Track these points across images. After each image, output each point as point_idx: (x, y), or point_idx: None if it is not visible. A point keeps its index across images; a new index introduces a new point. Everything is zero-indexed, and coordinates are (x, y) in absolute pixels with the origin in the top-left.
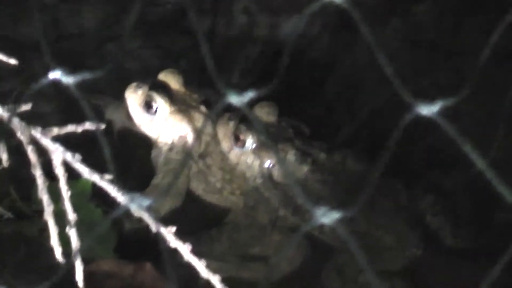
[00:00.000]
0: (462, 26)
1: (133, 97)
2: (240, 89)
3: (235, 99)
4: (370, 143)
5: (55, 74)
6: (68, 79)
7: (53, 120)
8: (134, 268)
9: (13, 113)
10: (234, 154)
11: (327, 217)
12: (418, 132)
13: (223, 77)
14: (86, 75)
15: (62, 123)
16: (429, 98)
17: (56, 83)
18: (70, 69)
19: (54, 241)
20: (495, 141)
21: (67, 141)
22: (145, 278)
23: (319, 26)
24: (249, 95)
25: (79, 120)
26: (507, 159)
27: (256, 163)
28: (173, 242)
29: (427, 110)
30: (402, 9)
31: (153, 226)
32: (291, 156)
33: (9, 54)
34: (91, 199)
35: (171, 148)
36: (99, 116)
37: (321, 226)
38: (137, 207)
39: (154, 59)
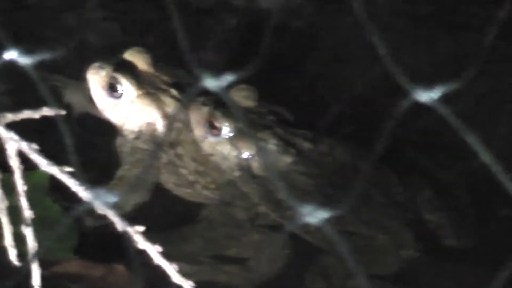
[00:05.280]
0: None
1: (96, 79)
2: (215, 67)
3: (211, 83)
4: (358, 127)
5: (11, 54)
6: (25, 60)
7: (5, 102)
8: (104, 270)
9: None
10: (208, 143)
11: (313, 216)
12: (411, 112)
13: (197, 53)
14: (45, 55)
15: (15, 105)
16: (427, 78)
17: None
18: (27, 41)
19: (8, 241)
20: (499, 126)
21: (21, 125)
22: (118, 281)
23: None
24: (227, 78)
25: (34, 102)
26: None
27: (233, 153)
28: (141, 243)
29: (426, 96)
30: None
31: (119, 225)
32: (272, 146)
33: None
34: (48, 194)
35: (138, 136)
36: (56, 99)
37: (306, 225)
38: (102, 204)
39: (119, 32)
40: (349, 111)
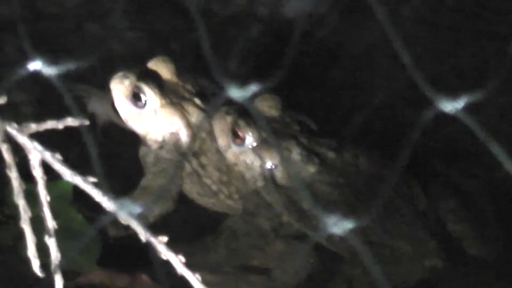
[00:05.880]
0: (486, 7)
1: (119, 88)
2: (240, 76)
3: (236, 93)
4: (382, 137)
5: (35, 65)
6: (49, 70)
7: (28, 111)
8: (128, 280)
9: None
10: (232, 153)
11: (338, 226)
12: (435, 122)
13: (221, 63)
14: (69, 66)
15: (39, 115)
16: (451, 86)
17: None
18: (51, 52)
19: (31, 251)
20: None
21: (44, 135)
22: None
23: (328, 5)
24: (251, 89)
25: (57, 112)
26: None
27: (257, 163)
28: (165, 253)
29: (450, 106)
30: None
31: (143, 235)
32: (296, 155)
33: None
34: (72, 204)
35: (162, 145)
36: (80, 109)
37: (330, 235)
38: (126, 214)
39: (143, 42)
40: (373, 120)
